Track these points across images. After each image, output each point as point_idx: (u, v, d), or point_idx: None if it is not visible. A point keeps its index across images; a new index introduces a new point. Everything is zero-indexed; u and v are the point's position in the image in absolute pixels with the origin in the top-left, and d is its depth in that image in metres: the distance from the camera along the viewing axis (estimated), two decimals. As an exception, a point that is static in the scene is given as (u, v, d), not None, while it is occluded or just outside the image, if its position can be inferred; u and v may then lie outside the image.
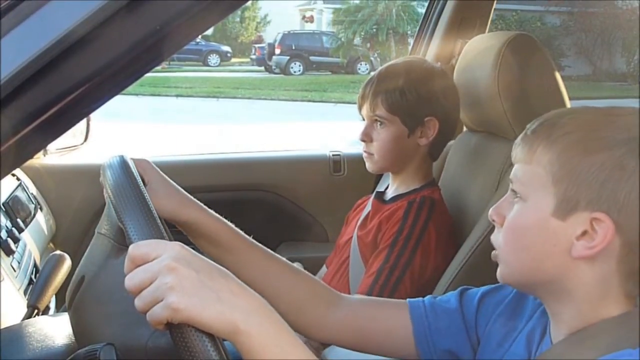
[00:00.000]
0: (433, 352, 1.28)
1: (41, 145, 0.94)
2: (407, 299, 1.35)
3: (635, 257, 1.01)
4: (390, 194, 2.17)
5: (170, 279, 0.84)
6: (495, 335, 1.24)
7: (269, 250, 1.37)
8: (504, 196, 1.14)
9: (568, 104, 1.94)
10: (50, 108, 0.84)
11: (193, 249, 0.92)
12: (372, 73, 2.19)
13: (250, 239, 1.36)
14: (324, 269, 2.34)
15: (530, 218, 1.07)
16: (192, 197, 1.33)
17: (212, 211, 1.34)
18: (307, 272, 1.41)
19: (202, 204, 1.33)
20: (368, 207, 2.20)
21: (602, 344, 1.01)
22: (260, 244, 1.36)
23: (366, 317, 1.34)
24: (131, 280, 0.87)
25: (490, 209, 1.14)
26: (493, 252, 1.13)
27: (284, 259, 1.39)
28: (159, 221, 1.02)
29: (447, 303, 1.31)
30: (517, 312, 1.24)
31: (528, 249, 1.08)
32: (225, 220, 1.34)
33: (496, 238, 1.13)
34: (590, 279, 1.04)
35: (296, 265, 2.18)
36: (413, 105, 2.05)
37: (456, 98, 2.13)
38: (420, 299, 1.34)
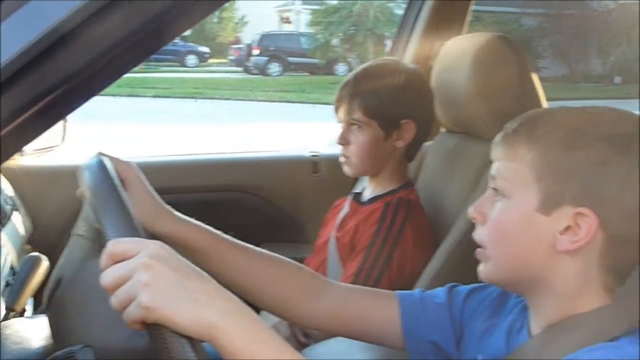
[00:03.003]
0: (419, 343, 1.30)
1: (19, 147, 0.93)
2: (397, 291, 1.36)
3: (617, 251, 1.04)
4: (367, 195, 2.17)
5: (145, 277, 0.84)
6: (477, 330, 1.26)
7: (249, 246, 1.36)
8: (483, 194, 1.15)
9: (545, 105, 1.95)
10: (28, 109, 0.83)
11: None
12: (349, 75, 2.19)
13: (228, 237, 1.35)
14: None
15: (515, 214, 1.09)
16: (168, 208, 1.32)
17: (185, 218, 1.33)
18: (292, 261, 1.40)
19: (177, 213, 1.32)
20: (345, 209, 2.20)
21: (579, 337, 1.03)
22: (239, 241, 1.35)
23: (355, 305, 1.35)
24: (107, 277, 0.87)
25: (471, 208, 1.15)
26: (478, 250, 1.15)
27: (266, 251, 1.38)
28: (136, 222, 1.01)
29: (436, 298, 1.32)
30: (499, 310, 1.25)
31: (514, 245, 1.09)
32: (200, 224, 1.33)
33: (480, 235, 1.14)
34: (572, 272, 1.06)
35: None
36: (390, 108, 2.06)
37: (431, 99, 2.15)
38: (410, 291, 1.35)
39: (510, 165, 1.09)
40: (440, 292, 1.34)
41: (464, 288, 1.32)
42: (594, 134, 1.04)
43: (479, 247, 1.15)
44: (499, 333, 1.21)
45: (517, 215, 1.08)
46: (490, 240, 1.12)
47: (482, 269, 1.15)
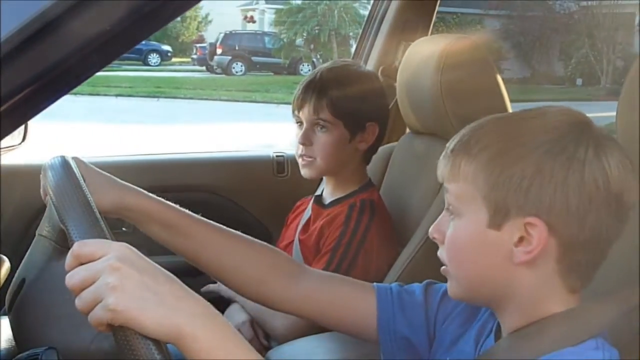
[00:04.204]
0: (392, 338, 1.30)
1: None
2: (374, 283, 1.36)
3: (573, 254, 1.04)
4: (328, 197, 2.17)
5: (112, 279, 0.83)
6: (449, 335, 1.26)
7: (220, 225, 1.36)
8: (441, 214, 1.16)
9: (509, 105, 1.97)
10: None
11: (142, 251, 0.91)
12: (309, 74, 2.17)
13: (198, 216, 1.35)
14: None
15: (467, 233, 1.09)
16: (131, 185, 1.33)
17: (154, 195, 1.34)
18: (267, 244, 1.40)
19: (143, 190, 1.34)
20: (308, 212, 2.20)
21: (543, 342, 1.04)
22: (217, 224, 1.36)
23: (331, 292, 1.35)
24: (72, 279, 0.86)
25: (431, 228, 1.16)
26: (442, 268, 1.15)
27: (238, 232, 1.38)
28: (102, 222, 1.00)
29: (413, 295, 1.32)
30: (473, 316, 1.25)
31: (471, 263, 1.10)
32: (170, 202, 1.34)
33: (442, 255, 1.14)
34: (533, 281, 1.06)
35: None
36: (358, 110, 2.06)
37: (388, 102, 2.16)
38: (388, 285, 1.35)
39: (455, 185, 1.10)
40: (417, 288, 1.33)
41: (439, 287, 1.31)
42: (526, 142, 1.04)
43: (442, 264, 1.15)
44: (468, 338, 1.22)
45: (470, 234, 1.09)
46: (448, 259, 1.13)
47: (448, 287, 1.16)
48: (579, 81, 23.80)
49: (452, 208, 1.11)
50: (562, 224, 1.02)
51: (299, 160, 2.13)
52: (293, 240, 2.17)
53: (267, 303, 1.37)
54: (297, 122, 2.13)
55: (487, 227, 1.06)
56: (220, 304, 1.81)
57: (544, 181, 1.02)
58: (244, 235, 1.39)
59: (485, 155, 1.06)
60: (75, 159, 1.29)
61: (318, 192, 2.26)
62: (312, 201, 2.21)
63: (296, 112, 2.12)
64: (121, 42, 0.86)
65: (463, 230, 1.10)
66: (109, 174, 1.33)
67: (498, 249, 1.06)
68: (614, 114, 1.34)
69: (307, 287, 1.34)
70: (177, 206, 1.35)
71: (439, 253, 1.15)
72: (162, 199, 1.34)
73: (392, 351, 1.30)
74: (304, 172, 2.13)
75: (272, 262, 1.36)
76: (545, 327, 1.06)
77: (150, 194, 1.33)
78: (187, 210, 1.35)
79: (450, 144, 1.13)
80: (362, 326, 1.32)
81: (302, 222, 2.19)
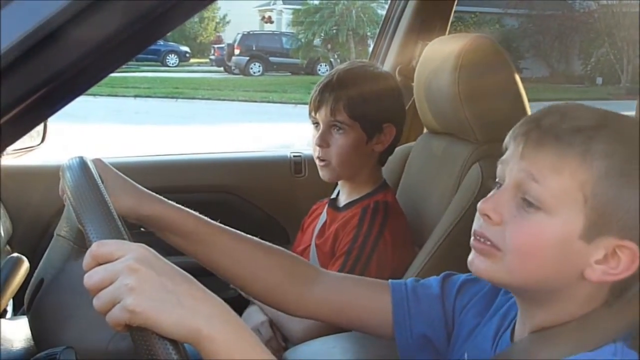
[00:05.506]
0: (409, 336, 1.28)
1: (1, 148, 0.93)
2: (390, 280, 1.33)
3: (633, 278, 1.00)
4: (343, 200, 2.17)
5: (130, 280, 0.83)
6: (466, 326, 1.24)
7: (238, 232, 1.35)
8: (496, 191, 1.07)
9: (527, 105, 1.96)
10: (12, 109, 0.82)
11: (159, 251, 0.91)
12: (326, 76, 2.16)
13: (217, 223, 1.34)
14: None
15: (554, 235, 1.00)
16: (150, 192, 1.32)
17: (173, 202, 1.32)
18: (283, 249, 1.39)
19: (162, 197, 1.32)
20: (324, 216, 2.20)
21: (562, 346, 1.01)
22: (228, 227, 1.34)
23: (346, 293, 1.33)
24: (91, 279, 0.86)
25: (483, 203, 1.06)
26: (480, 245, 1.06)
27: (255, 238, 1.37)
28: (119, 223, 1.01)
29: (429, 289, 1.30)
30: (488, 305, 1.23)
31: (541, 263, 1.02)
32: (189, 210, 1.33)
33: (493, 236, 1.05)
34: (588, 292, 1.03)
35: None
36: (374, 111, 2.06)
37: (405, 103, 2.17)
38: (403, 280, 1.33)
39: (558, 179, 1.00)
40: (434, 282, 1.31)
41: (457, 278, 1.29)
42: None
43: (479, 239, 1.07)
44: (486, 334, 1.19)
45: (558, 237, 1.00)
46: (514, 250, 1.03)
47: (485, 267, 1.06)
48: (599, 80, 23.67)
49: (540, 200, 1.00)
50: None
51: (317, 162, 2.13)
52: (309, 245, 2.17)
53: (284, 309, 1.36)
54: (314, 124, 2.12)
55: (578, 236, 0.99)
56: (240, 303, 1.81)
57: None
58: (262, 241, 1.37)
59: (605, 165, 0.98)
60: (96, 160, 1.29)
61: (333, 195, 2.25)
62: (327, 205, 2.21)
63: (313, 114, 2.11)
64: (134, 43, 0.86)
65: (551, 230, 1.00)
66: (128, 178, 1.32)
67: (578, 260, 1.00)
68: (634, 113, 1.33)
69: (322, 290, 1.32)
70: (195, 213, 1.33)
71: (482, 229, 1.06)
72: (181, 206, 1.32)
73: (409, 349, 1.28)
74: (323, 174, 2.13)
75: (289, 268, 1.35)
76: (565, 331, 1.03)
77: (169, 201, 1.32)
78: (205, 217, 1.34)
79: (563, 124, 1.01)
80: (378, 325, 1.31)
81: (318, 226, 2.18)
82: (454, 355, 1.25)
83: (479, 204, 1.07)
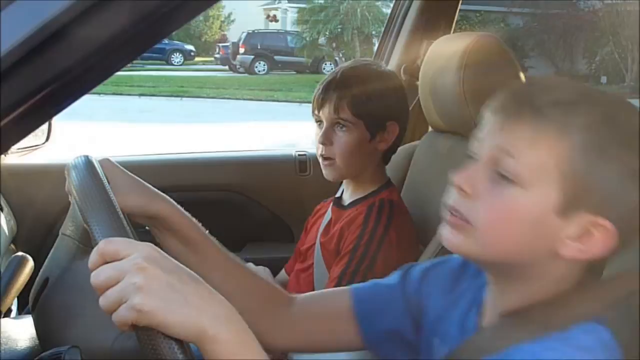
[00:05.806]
0: (376, 335, 1.25)
1: (5, 147, 0.93)
2: (352, 285, 1.32)
3: (610, 257, 0.99)
4: (347, 199, 2.16)
5: (138, 279, 0.82)
6: (434, 308, 1.21)
7: (232, 254, 1.33)
8: (471, 164, 1.04)
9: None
10: (17, 108, 0.82)
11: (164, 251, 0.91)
12: (330, 74, 2.16)
13: (216, 241, 1.32)
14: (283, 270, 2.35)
15: (529, 209, 0.97)
16: (159, 191, 1.29)
17: (181, 207, 1.30)
18: (262, 277, 1.37)
19: (170, 199, 1.30)
20: (329, 215, 2.19)
21: (532, 327, 0.98)
22: (224, 248, 1.33)
23: (311, 314, 1.31)
24: (97, 277, 0.85)
25: (457, 176, 1.03)
26: (454, 219, 1.03)
27: (244, 263, 1.36)
28: (125, 222, 1.00)
29: (388, 281, 1.28)
30: (456, 283, 1.20)
31: (515, 238, 0.99)
32: (194, 219, 1.31)
33: (468, 210, 1.02)
34: (562, 271, 1.01)
35: (261, 269, 2.16)
36: (378, 109, 2.05)
37: (409, 102, 2.18)
38: (365, 283, 1.31)
39: (534, 153, 0.97)
40: (394, 274, 1.29)
41: (420, 267, 1.26)
42: (628, 136, 0.96)
43: (452, 212, 1.03)
44: (452, 319, 1.16)
45: (532, 211, 0.97)
46: (487, 223, 1.00)
47: (458, 241, 1.03)
48: (604, 79, 23.62)
49: (516, 174, 0.97)
50: (633, 234, 0.97)
51: (320, 160, 2.13)
52: (314, 244, 2.17)
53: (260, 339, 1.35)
54: (317, 122, 2.12)
55: (552, 210, 0.96)
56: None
57: (631, 188, 0.95)
58: (246, 265, 1.35)
59: (582, 138, 0.95)
60: (104, 159, 1.28)
61: (337, 194, 2.25)
62: (332, 204, 2.21)
63: (316, 112, 2.11)
64: (139, 41, 0.86)
65: (525, 204, 0.97)
66: (138, 178, 1.31)
67: (552, 235, 0.97)
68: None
69: (291, 317, 1.30)
70: (199, 224, 1.31)
71: (455, 203, 1.03)
72: (188, 214, 1.30)
73: (379, 346, 1.27)
74: (326, 173, 2.12)
75: (266, 295, 1.32)
76: (536, 311, 1.00)
77: (177, 205, 1.29)
78: (206, 231, 1.31)
79: (542, 98, 0.98)
80: (347, 334, 1.27)
81: (323, 224, 2.18)
82: (424, 341, 1.21)
83: (452, 176, 1.04)
